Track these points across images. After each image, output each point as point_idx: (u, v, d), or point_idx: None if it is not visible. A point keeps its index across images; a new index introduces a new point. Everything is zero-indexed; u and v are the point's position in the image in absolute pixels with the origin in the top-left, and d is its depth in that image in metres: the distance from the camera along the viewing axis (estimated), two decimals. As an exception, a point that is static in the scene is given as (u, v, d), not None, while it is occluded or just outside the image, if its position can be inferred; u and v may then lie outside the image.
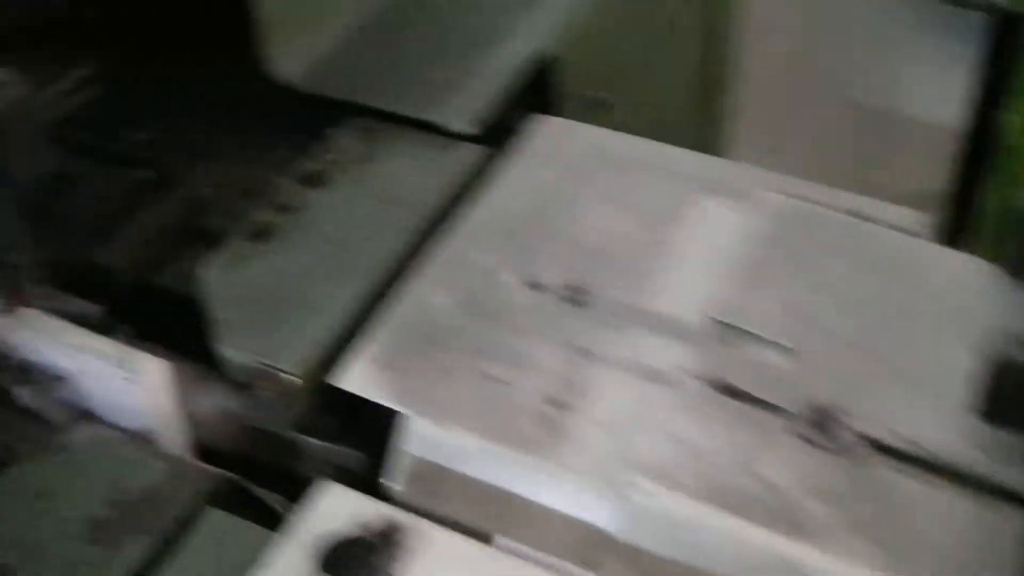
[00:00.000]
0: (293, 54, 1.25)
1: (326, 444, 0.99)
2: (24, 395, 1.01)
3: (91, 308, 1.06)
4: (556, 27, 1.31)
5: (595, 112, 1.37)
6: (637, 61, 1.55)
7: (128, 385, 0.97)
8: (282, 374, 0.98)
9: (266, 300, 1.05)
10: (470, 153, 1.18)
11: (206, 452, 1.03)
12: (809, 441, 0.91)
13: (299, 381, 0.98)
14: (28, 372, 1.03)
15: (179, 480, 0.92)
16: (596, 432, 0.92)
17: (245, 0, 1.16)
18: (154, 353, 1.01)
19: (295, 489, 0.96)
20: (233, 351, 1.01)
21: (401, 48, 1.30)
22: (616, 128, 1.22)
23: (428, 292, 1.03)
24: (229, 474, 0.94)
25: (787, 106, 2.17)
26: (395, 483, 0.94)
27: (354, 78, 1.25)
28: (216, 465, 1.00)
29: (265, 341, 1.01)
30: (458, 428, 0.93)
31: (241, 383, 1.02)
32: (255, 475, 1.00)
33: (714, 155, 1.23)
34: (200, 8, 1.26)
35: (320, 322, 1.02)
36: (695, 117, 1.93)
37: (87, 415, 1.04)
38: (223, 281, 1.07)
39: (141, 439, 1.01)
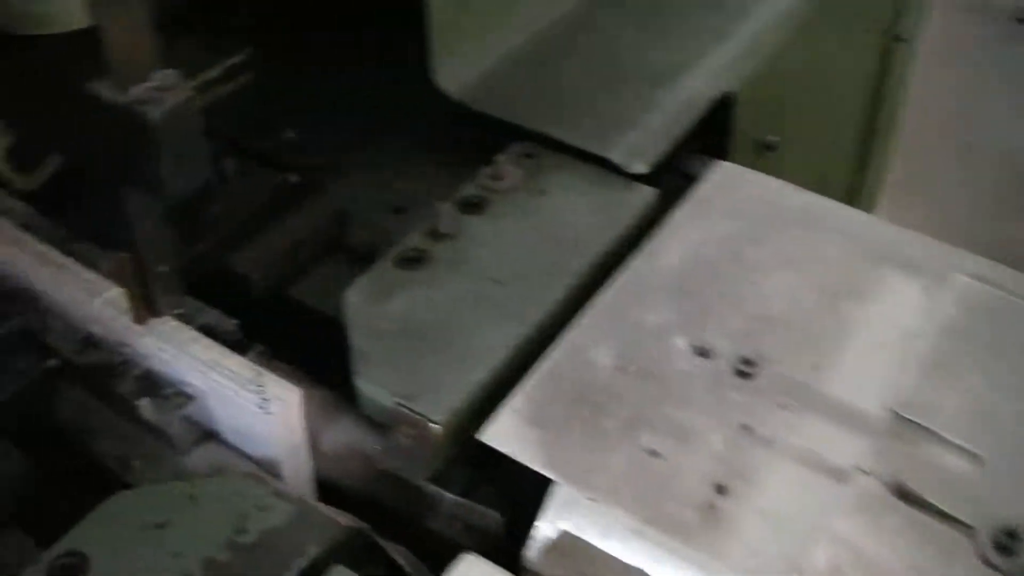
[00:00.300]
0: (460, 68, 1.18)
1: (461, 500, 0.91)
2: (147, 408, 0.94)
3: (226, 322, 1.00)
4: (736, 66, 1.23)
5: (762, 154, 1.29)
6: (806, 106, 1.47)
7: (259, 411, 0.90)
8: (422, 419, 0.91)
9: (412, 335, 0.98)
10: (642, 195, 1.10)
11: (330, 490, 0.96)
12: (992, 566, 0.82)
13: (439, 429, 0.91)
14: (154, 384, 0.97)
15: (304, 527, 0.84)
16: (759, 525, 0.84)
17: (418, 7, 1.08)
18: (289, 379, 0.94)
19: (423, 544, 0.90)
20: (371, 387, 0.94)
21: (571, 73, 1.22)
22: (778, 172, 1.14)
23: (587, 346, 0.95)
24: (356, 525, 0.87)
25: (944, 164, 2.09)
26: (534, 554, 0.87)
27: (521, 100, 1.18)
28: (338, 505, 0.93)
29: (407, 380, 0.94)
30: (610, 503, 0.85)
31: (376, 422, 0.95)
32: (379, 521, 0.92)
33: (867, 207, 1.14)
34: (369, 8, 1.20)
35: (468, 366, 0.95)
36: (851, 166, 1.86)
37: (210, 436, 0.97)
38: (367, 308, 1.00)
39: (265, 469, 0.94)
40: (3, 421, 0.97)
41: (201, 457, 0.96)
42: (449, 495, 0.91)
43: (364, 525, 0.88)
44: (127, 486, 0.96)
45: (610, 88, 1.17)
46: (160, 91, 0.73)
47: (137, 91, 0.73)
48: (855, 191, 1.89)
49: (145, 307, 0.88)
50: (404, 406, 0.92)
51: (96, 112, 0.76)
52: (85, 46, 0.75)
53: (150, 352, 0.96)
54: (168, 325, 0.96)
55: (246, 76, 1.12)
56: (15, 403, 0.97)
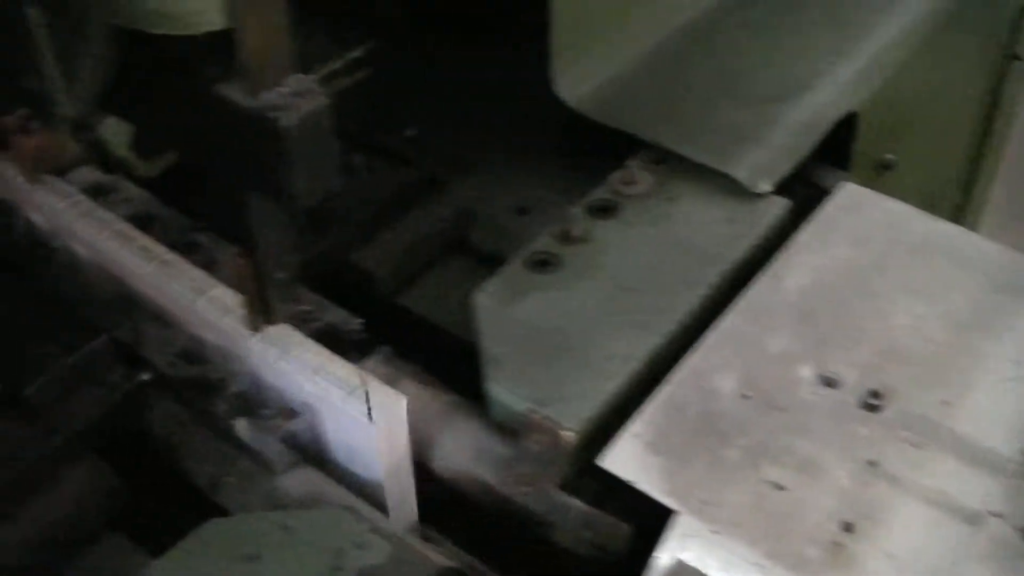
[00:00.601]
0: (580, 79, 1.15)
1: (591, 509, 0.88)
2: (243, 429, 0.91)
3: (352, 321, 0.97)
4: (859, 84, 1.19)
5: (879, 173, 1.26)
6: (920, 125, 1.43)
7: (365, 424, 0.87)
8: (555, 426, 0.89)
9: (543, 340, 0.96)
10: (774, 206, 1.08)
11: (446, 500, 0.94)
12: None
13: (572, 436, 0.88)
14: (252, 403, 0.94)
15: (402, 566, 0.81)
16: (886, 568, 0.81)
17: (544, 13, 1.06)
18: (413, 381, 0.93)
19: (539, 559, 0.89)
20: (503, 392, 0.92)
21: (691, 87, 1.19)
22: (891, 191, 1.11)
23: (709, 372, 0.92)
24: (453, 565, 0.84)
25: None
26: (654, 586, 0.83)
27: (641, 112, 1.15)
28: (451, 515, 0.93)
29: (539, 386, 0.92)
30: (733, 536, 0.82)
31: (506, 428, 0.93)
32: (499, 530, 0.92)
33: (971, 227, 1.10)
34: (497, 11, 1.18)
35: (601, 374, 0.93)
36: (959, 187, 1.81)
37: (306, 459, 0.94)
38: (497, 311, 0.98)
39: (367, 493, 0.91)
40: (94, 436, 0.95)
41: (296, 480, 0.93)
42: (579, 503, 0.88)
43: (457, 565, 0.85)
44: (217, 506, 0.94)
45: (731, 103, 1.14)
46: (293, 96, 0.71)
47: (270, 96, 0.71)
48: (961, 212, 1.85)
49: (260, 314, 0.86)
50: (537, 412, 0.89)
51: (225, 116, 0.73)
52: (217, 48, 0.73)
53: (255, 357, 0.94)
54: (280, 335, 0.93)
55: (366, 70, 1.10)
56: (106, 418, 0.95)
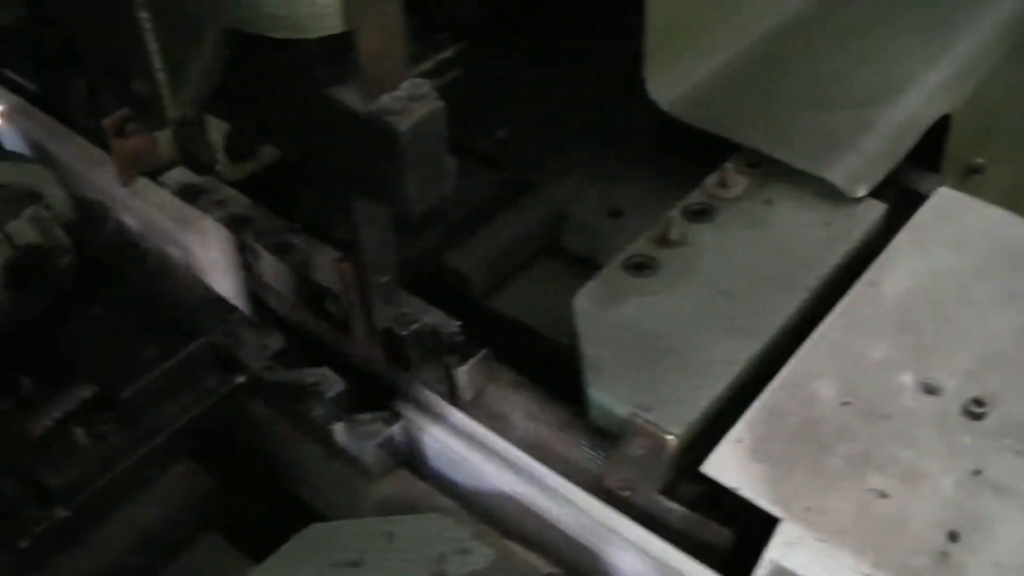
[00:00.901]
0: (672, 82, 1.14)
1: (694, 515, 0.88)
2: (341, 434, 0.91)
3: (450, 323, 0.97)
4: (951, 88, 1.18)
5: (969, 177, 1.25)
6: (1009, 129, 1.41)
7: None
8: (657, 430, 0.88)
9: (643, 344, 0.96)
10: (872, 210, 1.07)
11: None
12: None
13: (675, 441, 0.88)
14: (349, 409, 0.94)
15: (505, 573, 0.81)
16: (996, 579, 0.78)
17: (638, 16, 1.06)
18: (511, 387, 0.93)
19: None
20: (604, 397, 0.92)
21: (783, 90, 1.18)
22: (980, 195, 1.09)
23: (809, 379, 0.91)
24: (556, 572, 0.84)
25: None
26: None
27: (733, 115, 1.14)
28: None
29: (641, 391, 0.92)
30: (838, 545, 0.81)
31: (606, 433, 0.93)
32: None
33: None
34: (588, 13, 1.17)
35: (702, 379, 0.92)
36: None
37: (402, 464, 0.94)
38: (597, 315, 0.98)
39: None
40: (189, 439, 0.95)
41: (392, 486, 0.93)
42: (681, 508, 0.88)
43: (561, 571, 0.85)
44: (312, 510, 0.94)
45: (825, 107, 1.13)
46: (409, 101, 0.71)
47: (385, 100, 0.70)
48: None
49: (363, 318, 0.86)
50: (640, 416, 0.89)
51: (338, 119, 0.73)
52: (329, 52, 0.73)
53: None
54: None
55: (456, 71, 1.10)
56: (202, 421, 0.95)
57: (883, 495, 0.84)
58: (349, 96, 0.73)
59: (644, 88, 1.12)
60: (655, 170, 1.20)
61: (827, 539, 0.81)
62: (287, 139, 0.84)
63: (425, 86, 0.72)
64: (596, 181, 1.21)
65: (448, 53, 1.12)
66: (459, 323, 0.97)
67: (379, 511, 0.91)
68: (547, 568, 0.82)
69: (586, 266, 1.11)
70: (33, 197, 1.06)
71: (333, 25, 0.69)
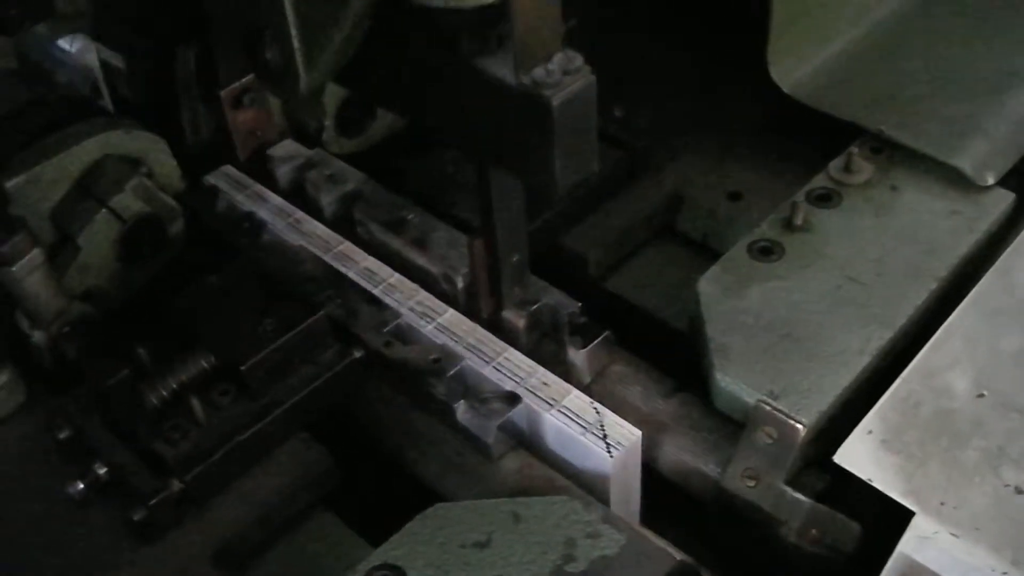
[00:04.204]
0: (796, 64, 1.12)
1: (822, 506, 0.86)
2: (464, 413, 0.90)
3: (570, 303, 0.95)
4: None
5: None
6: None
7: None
8: (788, 419, 0.86)
9: (771, 330, 0.94)
10: (1000, 199, 1.04)
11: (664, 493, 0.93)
12: None
13: (805, 430, 0.86)
14: (472, 387, 0.93)
15: (638, 559, 0.79)
16: None
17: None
18: (629, 376, 0.91)
19: (762, 556, 0.87)
20: (733, 383, 0.90)
21: (905, 74, 1.15)
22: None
23: (942, 370, 0.89)
24: (685, 558, 0.82)
25: None
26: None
27: (856, 99, 1.11)
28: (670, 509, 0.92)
29: (770, 378, 0.89)
30: (974, 541, 0.79)
31: (733, 420, 0.91)
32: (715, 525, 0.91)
33: None
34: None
35: (833, 368, 0.90)
36: None
37: (523, 444, 0.93)
38: (722, 299, 0.96)
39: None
40: (307, 414, 0.94)
41: (512, 466, 0.92)
42: (808, 500, 0.86)
43: (692, 560, 0.83)
44: (431, 489, 0.93)
45: (951, 92, 1.11)
46: (562, 74, 0.69)
47: (539, 73, 0.69)
48: None
49: (491, 296, 0.84)
50: (769, 404, 0.87)
51: (486, 92, 0.72)
52: (479, 22, 0.71)
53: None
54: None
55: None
56: (319, 396, 0.94)
57: (1020, 491, 0.82)
58: (498, 68, 0.71)
59: (763, 70, 1.10)
60: (773, 154, 1.18)
61: (963, 535, 0.79)
62: (425, 111, 0.82)
63: (578, 59, 0.70)
64: (714, 163, 1.19)
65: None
66: (579, 304, 0.95)
67: (498, 492, 0.89)
68: (678, 555, 0.81)
69: (702, 249, 1.10)
70: (134, 165, 1.05)
71: (489, -4, 0.67)
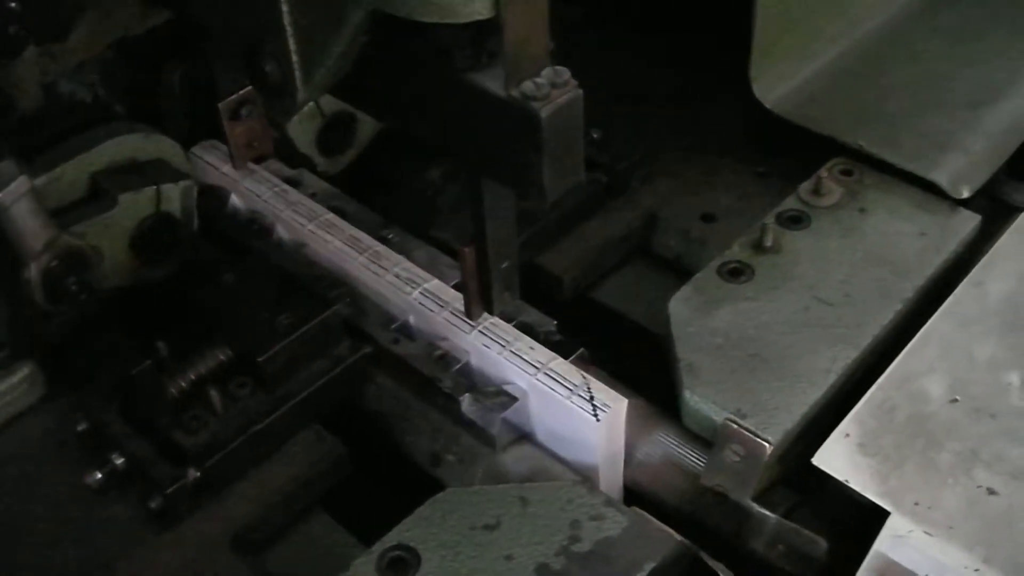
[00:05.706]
0: (778, 80, 1.15)
1: (788, 523, 0.89)
2: (469, 405, 0.93)
3: (546, 321, 0.99)
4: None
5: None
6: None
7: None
8: (754, 438, 0.89)
9: (739, 349, 0.96)
10: (966, 221, 1.07)
11: (640, 503, 0.94)
12: None
13: (771, 448, 0.88)
14: (475, 381, 0.97)
15: (640, 540, 0.83)
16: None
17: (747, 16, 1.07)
18: (613, 387, 0.93)
19: (735, 564, 0.89)
20: (700, 402, 0.93)
21: (886, 90, 1.18)
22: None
23: (917, 376, 0.92)
24: (685, 540, 0.85)
25: None
26: (866, 585, 0.83)
27: (837, 114, 1.15)
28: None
29: (737, 397, 0.92)
30: (947, 539, 0.82)
31: (700, 438, 0.94)
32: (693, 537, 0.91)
33: None
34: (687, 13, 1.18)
35: (800, 387, 0.93)
36: None
37: (524, 437, 0.96)
38: (692, 319, 0.99)
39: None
40: (319, 406, 0.97)
41: (515, 458, 0.95)
42: (774, 516, 0.89)
43: (691, 543, 0.86)
44: (436, 480, 0.95)
45: (930, 108, 1.14)
46: (550, 87, 0.72)
47: (527, 86, 0.71)
48: None
49: (481, 302, 0.87)
50: (736, 423, 0.89)
51: (477, 104, 0.74)
52: (470, 37, 0.74)
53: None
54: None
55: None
56: (331, 389, 0.97)
57: (992, 492, 0.84)
58: (490, 81, 0.74)
59: (744, 86, 1.13)
60: (748, 175, 1.21)
61: (936, 534, 0.82)
62: (419, 123, 0.84)
63: (565, 74, 0.72)
64: (688, 185, 1.22)
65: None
66: (555, 321, 0.98)
67: (501, 480, 0.93)
68: (678, 536, 0.84)
69: (675, 270, 1.13)
70: (175, 172, 1.08)
71: (483, 10, 0.70)
